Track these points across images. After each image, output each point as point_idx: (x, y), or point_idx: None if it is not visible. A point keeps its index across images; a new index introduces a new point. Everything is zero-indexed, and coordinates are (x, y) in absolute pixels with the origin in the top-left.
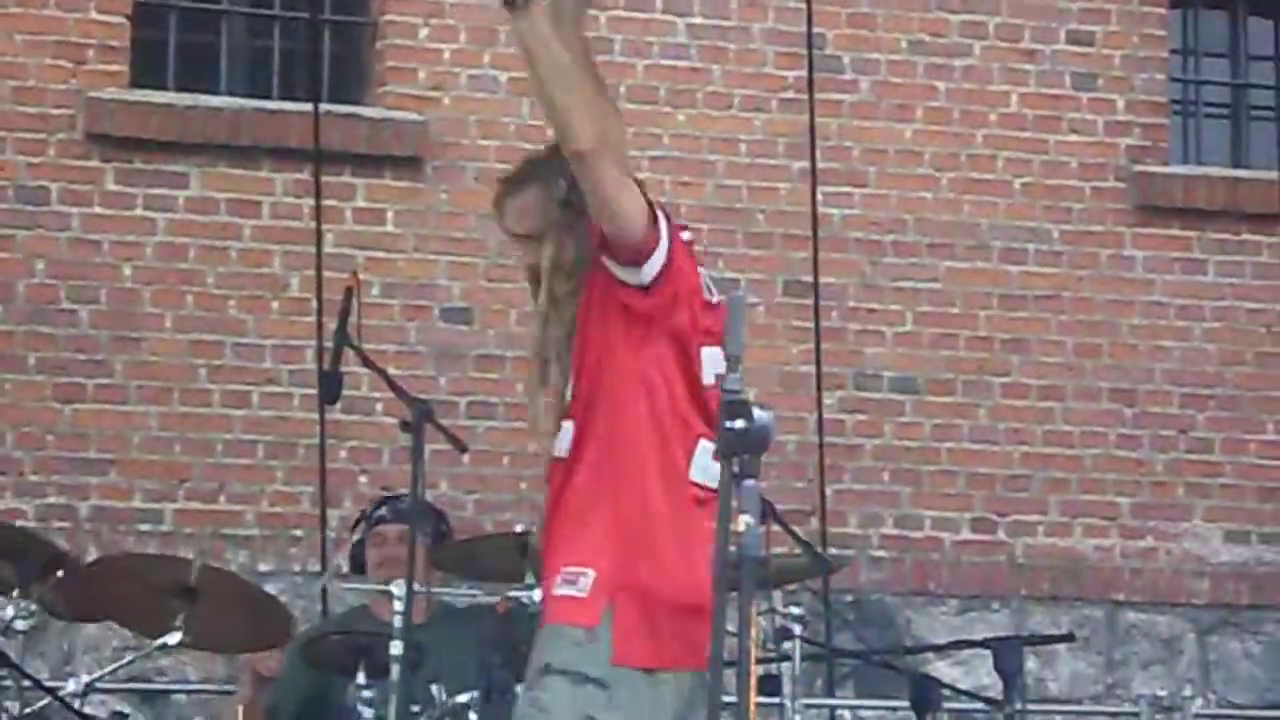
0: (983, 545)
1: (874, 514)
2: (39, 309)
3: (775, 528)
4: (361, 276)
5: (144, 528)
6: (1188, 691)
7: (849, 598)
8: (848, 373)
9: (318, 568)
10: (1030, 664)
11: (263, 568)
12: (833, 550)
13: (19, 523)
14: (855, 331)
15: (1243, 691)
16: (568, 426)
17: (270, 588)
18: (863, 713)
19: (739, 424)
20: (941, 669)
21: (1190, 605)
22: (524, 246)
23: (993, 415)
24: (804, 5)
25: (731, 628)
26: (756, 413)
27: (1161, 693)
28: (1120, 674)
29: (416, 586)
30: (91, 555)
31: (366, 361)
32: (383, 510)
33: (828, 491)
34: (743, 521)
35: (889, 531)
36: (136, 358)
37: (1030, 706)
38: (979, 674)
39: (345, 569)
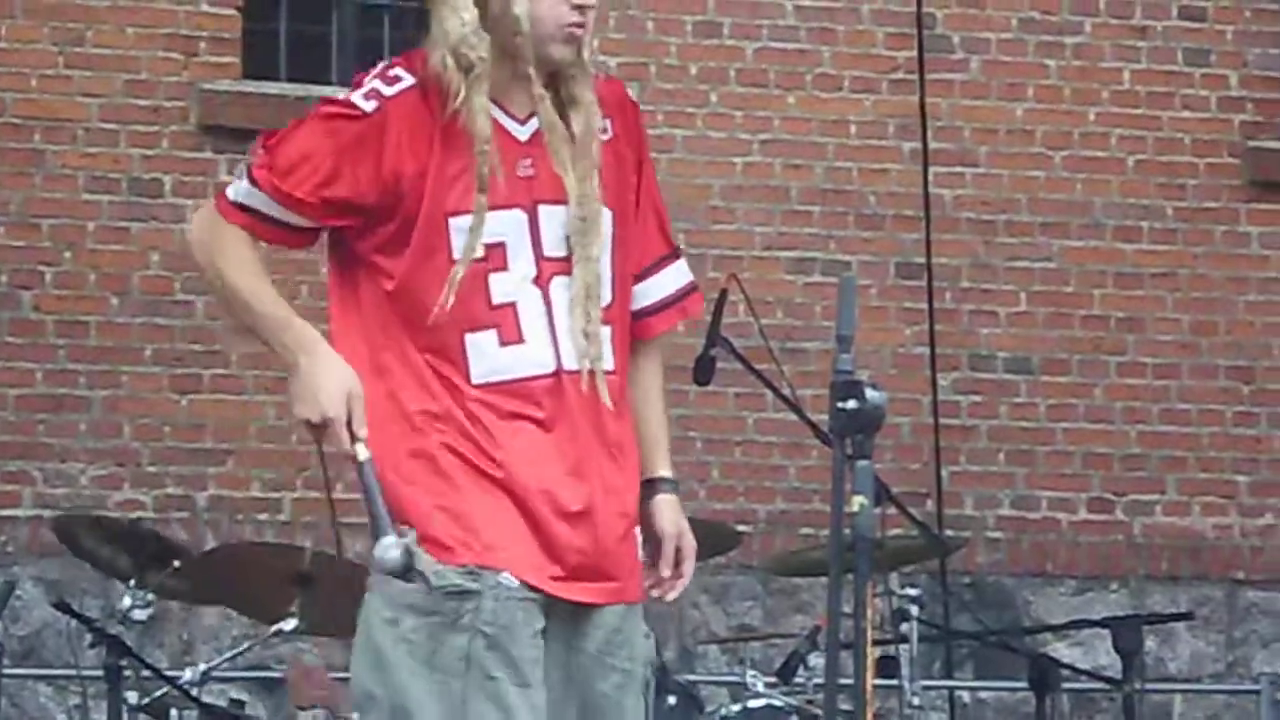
0: (1100, 525)
1: (990, 495)
2: (154, 301)
3: (891, 510)
4: None
5: (261, 517)
6: None
7: (966, 579)
8: (962, 354)
9: None
10: (1149, 643)
11: None
12: (949, 532)
13: (137, 514)
14: (969, 312)
15: None
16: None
17: None
18: (981, 694)
19: (851, 404)
20: (1060, 649)
21: None
22: None
23: (1108, 395)
24: None
25: (848, 609)
26: (869, 392)
27: None
28: (1240, 652)
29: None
30: (209, 546)
31: None
32: None
33: (943, 473)
34: (857, 502)
35: (1005, 512)
36: (252, 347)
37: (1149, 686)
38: (1098, 654)
39: None
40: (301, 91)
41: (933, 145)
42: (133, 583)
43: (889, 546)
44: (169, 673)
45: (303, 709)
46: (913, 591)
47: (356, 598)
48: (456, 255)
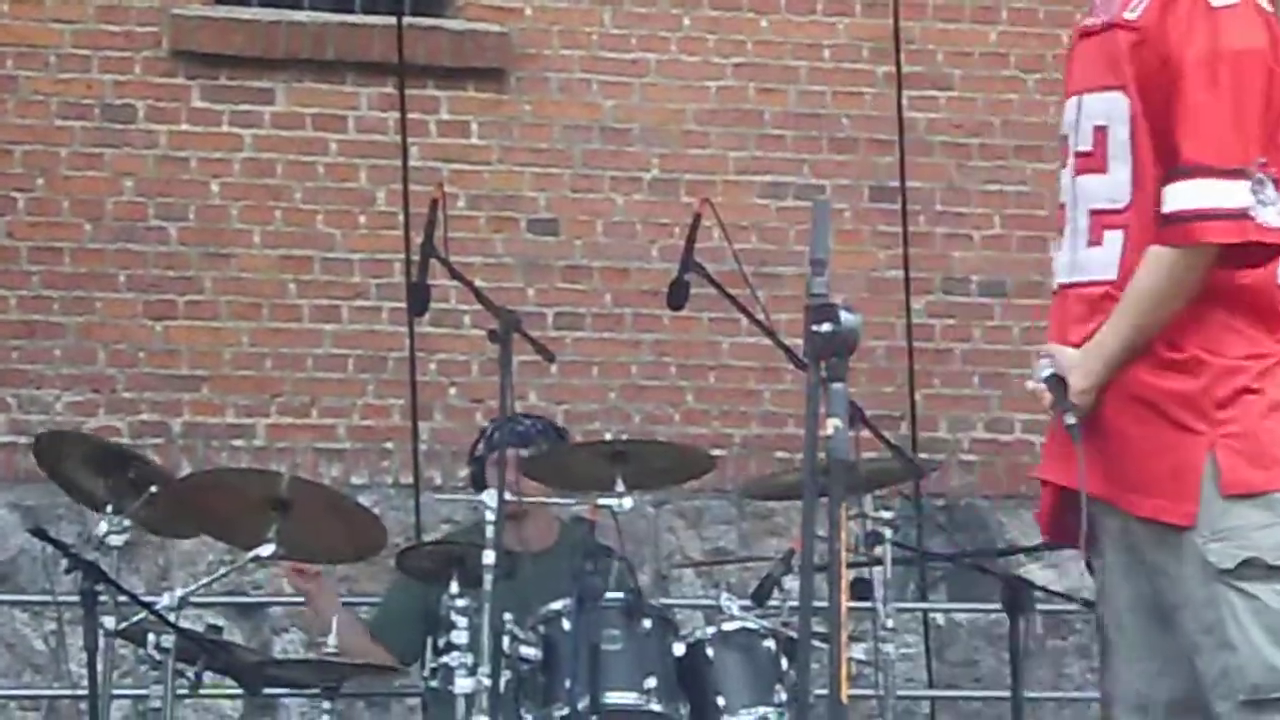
0: None
1: (964, 418)
2: (128, 227)
3: (865, 433)
4: (447, 189)
5: (237, 443)
6: None
7: (940, 502)
8: (935, 277)
9: (409, 480)
10: None
11: (355, 481)
12: (923, 455)
13: (113, 440)
14: (943, 236)
15: None
16: None
17: (363, 501)
18: (955, 615)
19: (826, 327)
20: (1034, 571)
21: None
22: None
23: None
24: None
25: (822, 532)
26: (843, 315)
27: None
28: None
29: (509, 497)
30: (184, 471)
31: (453, 273)
32: (514, 432)
33: (917, 396)
34: (831, 425)
35: (979, 435)
36: (226, 274)
37: None
38: (1072, 575)
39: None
40: (274, 17)
41: (906, 68)
42: (109, 508)
43: (863, 469)
44: (146, 598)
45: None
46: (887, 514)
47: (333, 523)
48: None
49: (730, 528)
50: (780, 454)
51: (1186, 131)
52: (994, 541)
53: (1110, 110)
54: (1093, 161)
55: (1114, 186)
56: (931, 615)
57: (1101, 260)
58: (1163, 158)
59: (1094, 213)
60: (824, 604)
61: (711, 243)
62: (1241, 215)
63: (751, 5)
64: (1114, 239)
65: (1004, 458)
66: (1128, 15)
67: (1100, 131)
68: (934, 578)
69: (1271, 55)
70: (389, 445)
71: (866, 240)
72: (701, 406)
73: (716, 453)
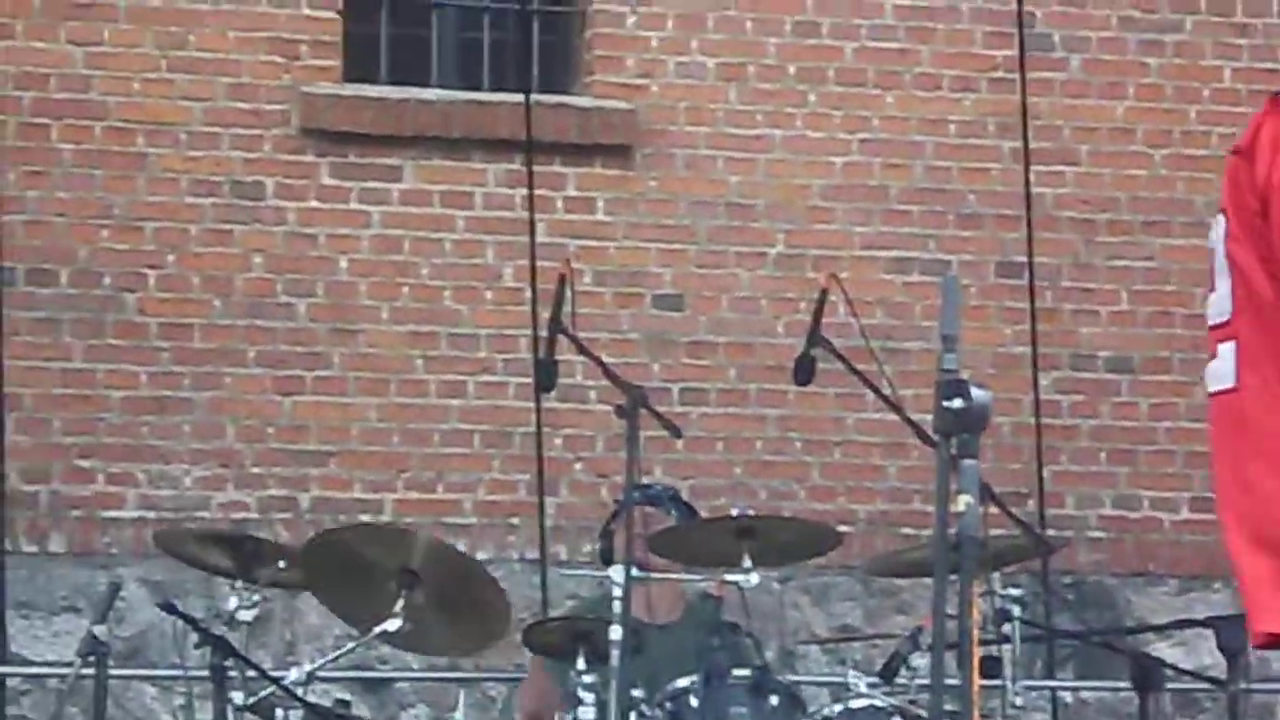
0: (1202, 524)
1: (1092, 494)
2: (257, 303)
3: (994, 510)
4: (574, 265)
5: (364, 518)
6: None
7: (1068, 579)
8: (1063, 353)
9: (536, 556)
10: None
11: (481, 556)
12: (1051, 531)
13: (241, 515)
14: (1070, 311)
15: None
16: None
17: None
18: (1084, 694)
19: (957, 403)
20: (1163, 649)
21: None
22: None
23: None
24: None
25: (952, 610)
26: (974, 391)
27: None
28: None
29: (635, 573)
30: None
31: (581, 349)
32: (645, 493)
33: (1045, 473)
34: (962, 501)
35: (1107, 512)
36: (354, 350)
37: (1254, 685)
38: (1201, 654)
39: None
40: (402, 95)
41: (1033, 144)
42: (238, 583)
43: (991, 546)
44: (274, 673)
45: None
46: (1015, 591)
47: (463, 594)
48: None
49: (856, 604)
50: (906, 530)
51: None
52: (1122, 619)
53: (1216, 231)
54: (1209, 279)
55: (1220, 300)
56: (1060, 694)
57: (1219, 372)
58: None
59: (1211, 327)
60: (955, 682)
61: (837, 318)
62: None
63: (877, 81)
64: (1227, 351)
65: (1132, 535)
66: (1239, 140)
67: (1210, 251)
68: (1062, 656)
69: None
70: (515, 521)
71: (993, 316)
72: (827, 482)
73: (842, 529)
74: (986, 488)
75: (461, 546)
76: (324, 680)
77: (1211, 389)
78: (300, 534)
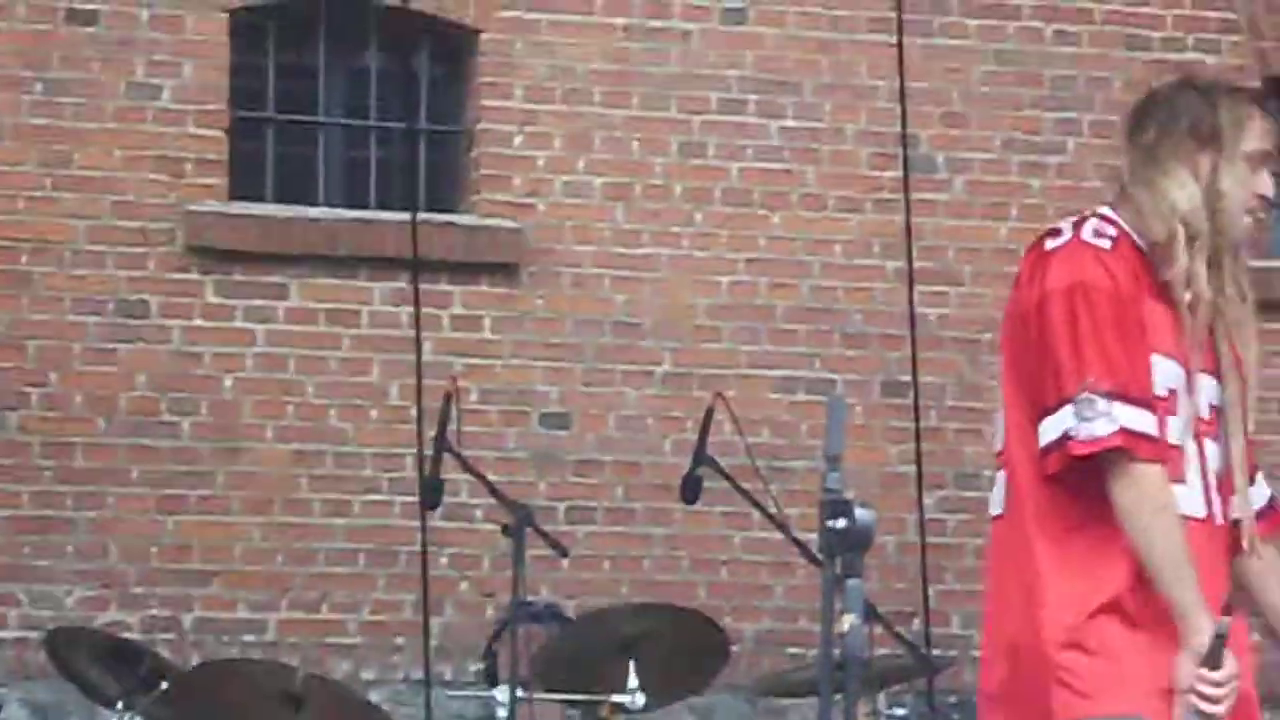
0: None
1: (977, 613)
2: (141, 422)
3: (879, 629)
4: (461, 383)
5: (248, 638)
6: None
7: (953, 698)
8: (947, 472)
9: (420, 676)
10: None
11: (365, 676)
12: (936, 651)
13: (124, 635)
14: (954, 430)
15: None
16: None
17: (373, 697)
18: None
19: (841, 523)
20: None
21: None
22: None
23: None
24: (897, 105)
25: None
26: (858, 511)
27: None
28: None
29: (521, 692)
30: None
31: (467, 467)
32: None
33: (930, 592)
34: (847, 621)
35: None
36: (238, 468)
37: None
38: None
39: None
40: (288, 213)
41: (917, 264)
42: (120, 705)
43: (877, 666)
44: None
45: None
46: (900, 711)
47: None
48: (1157, 390)
49: None
50: (793, 650)
51: (1041, 377)
52: None
53: (997, 365)
54: None
55: (999, 430)
56: None
57: (994, 498)
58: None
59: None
60: None
61: (724, 436)
62: (1062, 440)
63: (763, 201)
64: (1000, 479)
65: None
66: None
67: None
68: None
69: (1113, 282)
70: (400, 640)
71: (878, 435)
72: (714, 601)
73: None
74: (871, 607)
75: (346, 666)
76: None
77: (990, 512)
78: (184, 654)
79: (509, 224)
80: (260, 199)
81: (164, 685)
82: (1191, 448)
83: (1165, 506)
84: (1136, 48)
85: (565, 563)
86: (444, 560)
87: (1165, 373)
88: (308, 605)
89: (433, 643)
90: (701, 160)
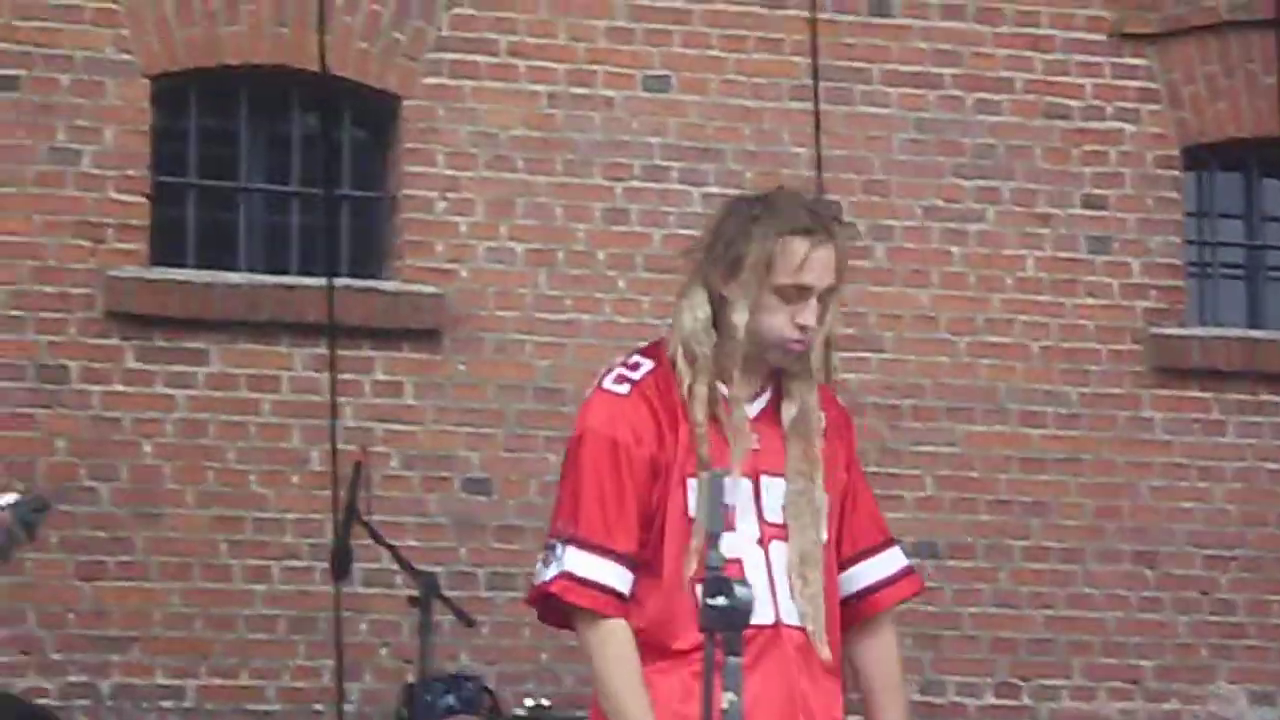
0: (1007, 710)
1: None
2: (60, 488)
3: None
4: (381, 449)
5: (166, 705)
6: None
7: None
8: None
9: None
10: None
11: None
12: (856, 717)
13: (42, 702)
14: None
15: None
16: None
17: None
18: None
19: (720, 600)
20: None
21: None
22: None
23: (1014, 579)
24: (815, 174)
25: None
26: (738, 589)
27: None
28: None
29: None
30: None
31: (375, 536)
32: (448, 699)
33: None
34: (727, 699)
35: (913, 698)
36: (158, 534)
37: None
38: None
39: None
40: (209, 278)
41: (839, 330)
42: None
43: None
44: None
45: None
46: None
47: None
48: (693, 513)
49: None
50: None
51: None
52: None
53: None
54: None
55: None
56: None
57: None
58: None
59: None
60: None
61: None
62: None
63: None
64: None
65: (937, 719)
66: None
67: None
68: None
69: (625, 434)
70: (319, 707)
71: None
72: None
73: None
74: None
75: None
76: None
77: None
78: None
79: (431, 290)
80: (181, 264)
81: None
82: (755, 555)
83: (615, 658)
84: (1056, 116)
85: (484, 629)
86: (364, 626)
87: (726, 488)
88: (226, 672)
89: (349, 709)
90: (625, 227)
